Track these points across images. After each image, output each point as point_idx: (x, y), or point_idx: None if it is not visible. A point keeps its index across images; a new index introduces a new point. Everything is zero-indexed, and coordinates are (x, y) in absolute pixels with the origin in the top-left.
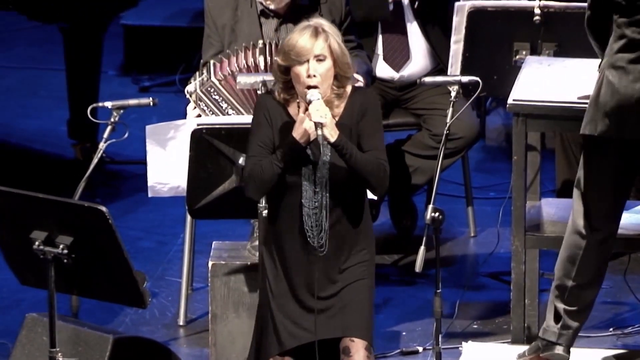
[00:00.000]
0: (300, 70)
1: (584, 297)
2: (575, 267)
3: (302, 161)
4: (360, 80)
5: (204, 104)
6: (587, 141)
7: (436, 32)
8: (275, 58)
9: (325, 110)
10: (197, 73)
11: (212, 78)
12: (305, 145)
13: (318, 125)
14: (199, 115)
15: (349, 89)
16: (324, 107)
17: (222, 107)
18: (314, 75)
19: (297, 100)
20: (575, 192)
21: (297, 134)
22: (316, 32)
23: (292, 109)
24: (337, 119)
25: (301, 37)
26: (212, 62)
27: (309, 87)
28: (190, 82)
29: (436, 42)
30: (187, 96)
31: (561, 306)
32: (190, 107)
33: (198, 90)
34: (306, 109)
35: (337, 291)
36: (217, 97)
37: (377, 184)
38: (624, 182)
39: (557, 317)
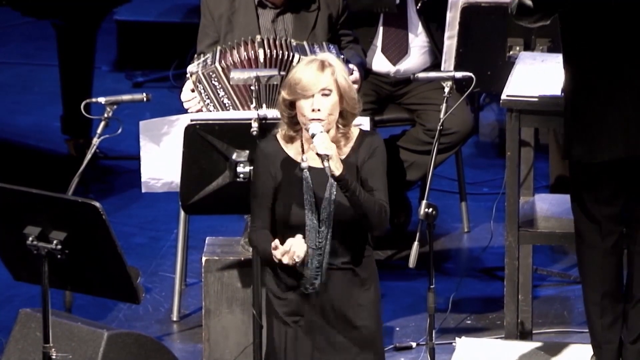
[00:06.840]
0: (305, 104)
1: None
2: (599, 278)
3: (305, 200)
4: (355, 70)
5: (202, 87)
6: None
7: (438, 29)
8: (280, 92)
9: (330, 143)
10: (195, 57)
11: (216, 64)
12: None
13: (324, 157)
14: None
15: (355, 130)
16: (328, 140)
17: (219, 94)
18: (319, 110)
19: (302, 139)
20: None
21: (276, 258)
22: (322, 66)
23: (294, 149)
24: (343, 157)
25: (307, 71)
26: (217, 48)
27: (312, 120)
28: (193, 63)
29: (438, 40)
30: (188, 75)
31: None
32: (187, 87)
33: (199, 72)
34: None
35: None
36: (216, 84)
37: (376, 224)
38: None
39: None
